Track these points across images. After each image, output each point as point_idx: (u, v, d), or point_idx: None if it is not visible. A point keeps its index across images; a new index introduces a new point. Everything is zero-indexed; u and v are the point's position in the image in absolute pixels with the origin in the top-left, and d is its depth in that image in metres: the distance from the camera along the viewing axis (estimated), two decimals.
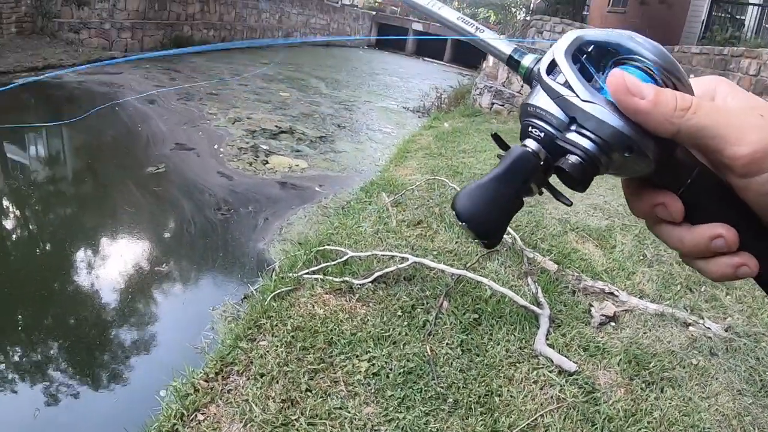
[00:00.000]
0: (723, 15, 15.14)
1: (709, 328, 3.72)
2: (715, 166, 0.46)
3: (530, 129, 0.48)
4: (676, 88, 0.46)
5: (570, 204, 0.53)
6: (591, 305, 3.78)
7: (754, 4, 14.35)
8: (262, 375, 2.88)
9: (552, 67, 0.47)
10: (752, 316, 3.94)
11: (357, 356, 3.02)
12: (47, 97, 10.37)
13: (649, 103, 0.43)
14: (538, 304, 3.62)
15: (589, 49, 0.48)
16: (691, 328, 3.72)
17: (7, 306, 3.99)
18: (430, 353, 3.08)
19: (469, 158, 7.46)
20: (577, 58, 0.47)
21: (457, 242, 4.47)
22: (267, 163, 7.54)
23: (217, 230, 5.42)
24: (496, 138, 0.54)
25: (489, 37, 0.54)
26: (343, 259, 3.93)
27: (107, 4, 15.67)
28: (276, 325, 3.28)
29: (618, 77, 0.44)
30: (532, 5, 27.35)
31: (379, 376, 2.89)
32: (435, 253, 4.22)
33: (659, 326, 3.68)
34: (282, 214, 5.80)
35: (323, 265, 3.91)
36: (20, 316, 3.94)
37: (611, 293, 3.98)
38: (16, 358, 3.60)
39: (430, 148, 8.23)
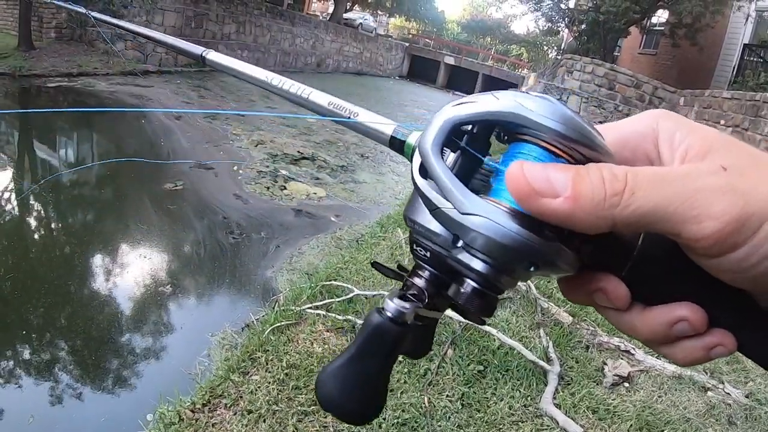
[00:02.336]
0: (755, 60, 14.99)
1: (729, 393, 3.51)
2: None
3: (415, 247, 0.41)
4: (588, 159, 0.35)
5: (483, 323, 0.44)
6: (605, 363, 3.60)
7: None
8: (249, 411, 2.77)
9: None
10: None
11: None
12: (78, 103, 10.66)
13: (567, 200, 0.32)
14: (548, 360, 3.44)
15: (470, 127, 0.38)
16: (709, 393, 3.51)
17: (14, 309, 3.98)
18: (427, 405, 2.92)
19: None
20: (455, 143, 0.38)
21: None
22: (285, 188, 7.48)
23: (227, 254, 5.33)
24: (377, 266, 0.47)
25: (365, 119, 0.45)
26: (348, 297, 3.81)
27: (144, 18, 15.97)
28: (271, 360, 3.17)
29: (517, 177, 0.33)
30: (563, 44, 27.40)
31: (371, 425, 2.74)
32: None
33: (676, 390, 3.48)
34: (294, 243, 5.70)
35: (328, 300, 3.79)
36: (25, 321, 3.91)
37: (627, 351, 3.79)
38: (12, 364, 3.56)
39: None
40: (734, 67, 16.02)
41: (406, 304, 0.39)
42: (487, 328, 3.55)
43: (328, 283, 4.07)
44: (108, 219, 6.08)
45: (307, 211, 6.76)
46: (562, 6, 21.13)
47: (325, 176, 8.48)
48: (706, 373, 3.69)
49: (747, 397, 3.50)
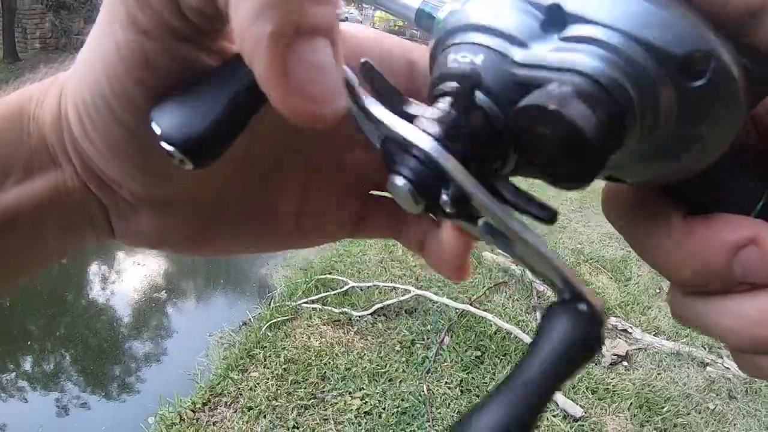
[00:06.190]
0: None
1: (728, 367, 3.50)
2: None
3: (455, 57, 0.24)
4: None
5: (550, 219, 0.23)
6: None
7: None
8: (249, 408, 2.77)
9: None
10: None
11: (350, 393, 2.88)
12: None
13: None
14: None
15: None
16: (708, 368, 3.51)
17: (16, 321, 4.03)
18: (426, 393, 2.92)
19: None
20: None
21: None
22: None
23: None
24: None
25: None
26: (343, 289, 3.80)
27: None
28: (269, 356, 3.16)
29: None
30: None
31: (371, 415, 2.75)
32: (440, 284, 4.06)
33: (675, 366, 3.48)
34: None
35: (323, 294, 3.78)
36: (27, 332, 3.95)
37: (624, 330, 3.79)
38: (17, 375, 3.61)
39: None
40: None
41: None
42: (482, 313, 3.55)
43: (323, 276, 4.06)
44: None
45: None
46: None
47: None
48: (705, 348, 3.69)
49: None
